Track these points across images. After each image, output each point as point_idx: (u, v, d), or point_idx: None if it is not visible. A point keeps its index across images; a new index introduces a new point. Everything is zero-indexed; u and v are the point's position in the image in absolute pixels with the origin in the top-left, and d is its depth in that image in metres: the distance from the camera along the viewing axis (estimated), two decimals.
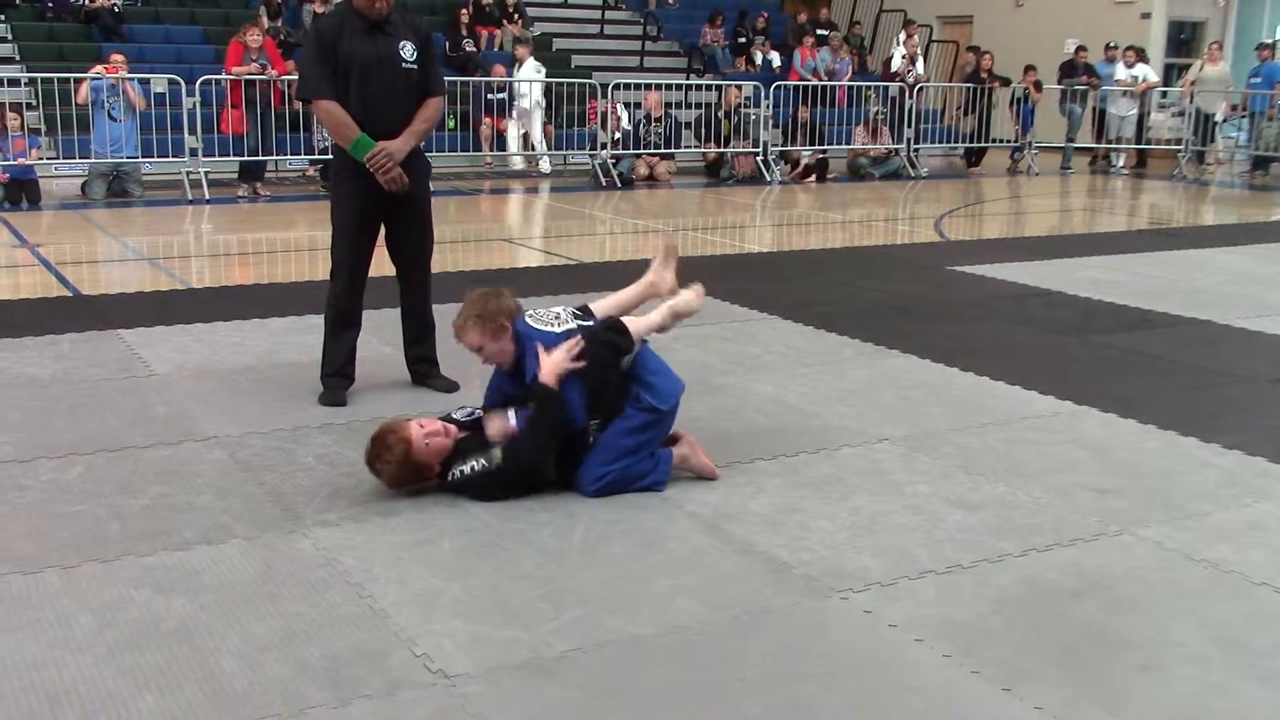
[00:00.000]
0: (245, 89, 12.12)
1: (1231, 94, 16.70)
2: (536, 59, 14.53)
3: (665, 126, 14.10)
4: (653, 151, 14.06)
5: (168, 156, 11.78)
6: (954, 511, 3.78)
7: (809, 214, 12.18)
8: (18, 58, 13.76)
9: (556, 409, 3.73)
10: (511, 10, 16.99)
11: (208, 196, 11.54)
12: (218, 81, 12.25)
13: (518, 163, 14.33)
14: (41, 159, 11.52)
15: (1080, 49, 16.94)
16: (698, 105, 15.45)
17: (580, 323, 3.93)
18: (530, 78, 14.02)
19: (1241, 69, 17.73)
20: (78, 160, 11.74)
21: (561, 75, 14.98)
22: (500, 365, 3.99)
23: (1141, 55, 16.93)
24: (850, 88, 16.17)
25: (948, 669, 2.82)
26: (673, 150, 14.51)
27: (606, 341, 3.81)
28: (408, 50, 4.70)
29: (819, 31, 17.80)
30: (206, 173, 11.78)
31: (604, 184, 13.44)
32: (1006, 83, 16.27)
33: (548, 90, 14.23)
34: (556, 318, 3.94)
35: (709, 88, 15.65)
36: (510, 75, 14.16)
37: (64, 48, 13.89)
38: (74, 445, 4.25)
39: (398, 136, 4.68)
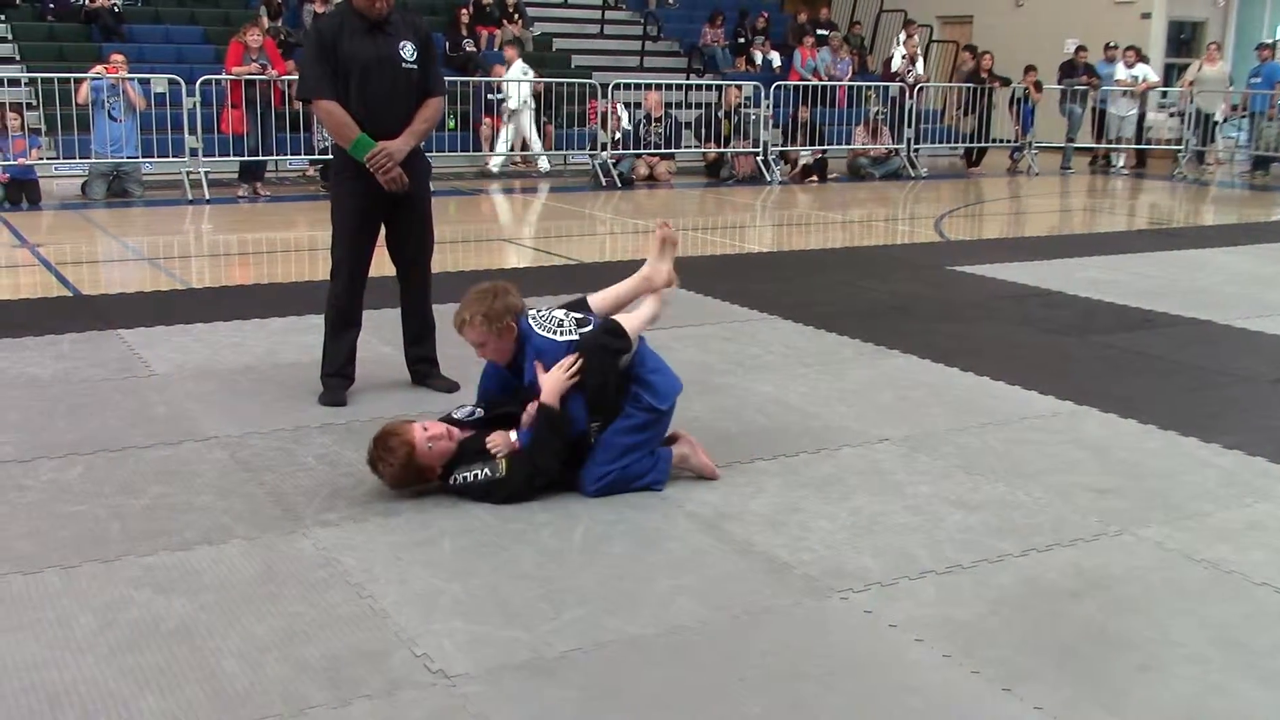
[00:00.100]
0: (245, 89, 12.12)
1: (1231, 94, 16.70)
2: (536, 59, 14.53)
3: (665, 126, 14.11)
4: (653, 151, 14.06)
5: (168, 156, 11.78)
6: (954, 511, 3.78)
7: (809, 214, 12.18)
8: (18, 58, 13.76)
9: (561, 428, 3.74)
10: (511, 10, 16.99)
11: (208, 196, 11.54)
12: (218, 81, 12.25)
13: (496, 164, 14.25)
14: (41, 159, 11.52)
15: (1080, 49, 16.94)
16: (698, 105, 15.45)
17: (581, 330, 3.90)
18: (517, 78, 14.00)
19: (1241, 69, 17.74)
20: (78, 160, 11.74)
21: (561, 75, 14.99)
22: (498, 362, 3.98)
23: (1141, 55, 16.93)
24: (850, 88, 16.18)
25: (948, 669, 2.82)
26: (673, 150, 14.51)
27: (604, 346, 3.80)
28: (408, 50, 4.70)
29: (819, 31, 17.80)
30: (206, 173, 11.79)
31: (604, 184, 13.44)
32: (1006, 83, 16.27)
33: (547, 90, 14.22)
34: (560, 325, 3.90)
35: (709, 88, 15.65)
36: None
37: (64, 48, 13.90)
38: (74, 445, 4.25)
39: (398, 136, 4.68)
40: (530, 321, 3.92)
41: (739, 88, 14.80)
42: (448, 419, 3.93)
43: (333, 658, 2.80)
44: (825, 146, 15.06)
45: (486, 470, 3.73)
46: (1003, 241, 10.11)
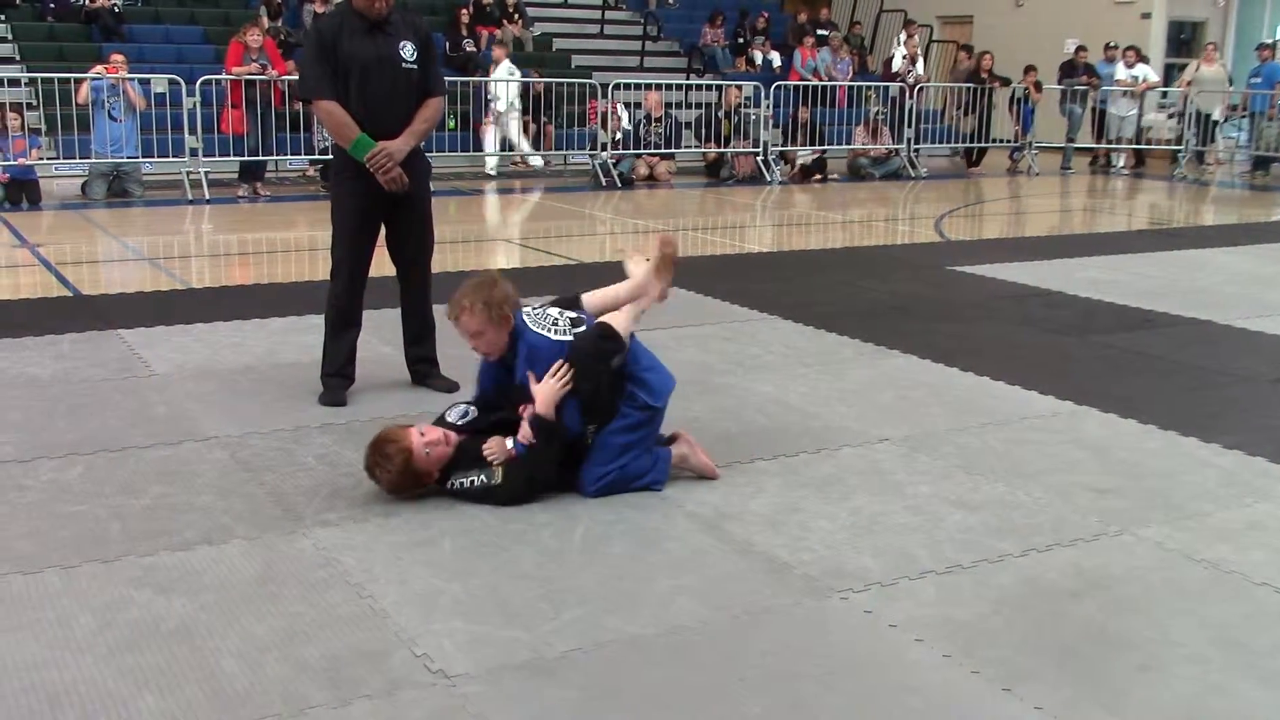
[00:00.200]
0: (245, 89, 12.12)
1: (1231, 94, 16.69)
2: (536, 59, 14.50)
3: (665, 126, 14.10)
4: (653, 151, 14.06)
5: (168, 156, 11.78)
6: (954, 512, 3.78)
7: (809, 214, 12.19)
8: (18, 58, 13.76)
9: (557, 438, 3.74)
10: (511, 10, 16.99)
11: (208, 196, 11.54)
12: (218, 81, 12.25)
13: (492, 165, 14.23)
14: (41, 159, 11.52)
15: (1080, 49, 16.94)
16: (698, 105, 15.45)
17: (575, 329, 3.88)
18: (504, 78, 13.99)
19: (1242, 69, 17.74)
20: (78, 160, 11.74)
21: (561, 75, 14.99)
22: (488, 355, 3.90)
23: (1141, 55, 16.93)
24: (850, 88, 16.18)
25: (948, 669, 2.82)
26: (673, 150, 14.51)
27: (596, 351, 3.78)
28: (408, 50, 4.70)
29: (819, 31, 17.80)
30: (206, 173, 11.78)
31: (604, 184, 13.44)
32: (1006, 83, 16.27)
33: (547, 90, 14.22)
34: (554, 323, 3.88)
35: (709, 88, 15.65)
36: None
37: (64, 48, 13.89)
38: (74, 445, 4.25)
39: (398, 136, 4.68)
40: (525, 317, 3.89)
41: (739, 88, 14.80)
42: (441, 421, 3.92)
43: (333, 658, 2.80)
44: (825, 146, 15.06)
45: (483, 477, 3.73)
46: (1003, 241, 10.11)
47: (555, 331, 3.85)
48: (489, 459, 3.75)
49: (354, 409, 4.75)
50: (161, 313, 6.38)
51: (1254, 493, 4.02)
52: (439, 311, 4.87)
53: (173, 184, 11.88)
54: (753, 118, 14.64)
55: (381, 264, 4.98)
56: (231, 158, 12.17)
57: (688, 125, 14.97)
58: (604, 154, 13.65)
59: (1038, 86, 16.13)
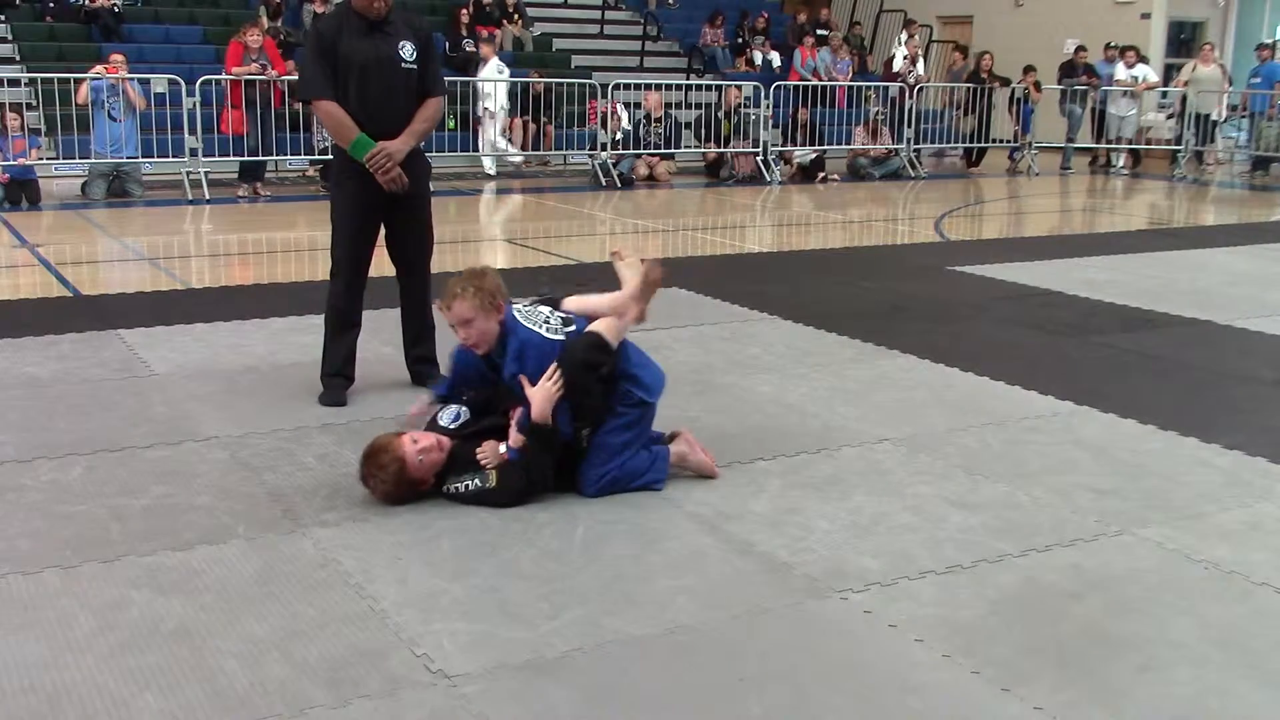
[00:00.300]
0: (245, 89, 12.12)
1: (1229, 94, 16.69)
2: (536, 59, 14.48)
3: (665, 126, 14.10)
4: (653, 151, 14.06)
5: (168, 156, 11.78)
6: (954, 512, 3.78)
7: (809, 214, 12.19)
8: (18, 58, 13.76)
9: (553, 442, 3.73)
10: (511, 10, 16.99)
11: (208, 196, 11.54)
12: (218, 81, 12.25)
13: (489, 165, 14.21)
14: (41, 159, 11.52)
15: (1080, 49, 16.93)
16: (698, 105, 15.44)
17: (566, 329, 3.86)
18: (493, 78, 13.98)
19: (1242, 69, 17.74)
20: (78, 160, 11.74)
21: (561, 75, 14.99)
22: (476, 346, 3.86)
23: (1141, 56, 16.93)
24: (850, 88, 16.17)
25: (948, 669, 2.82)
26: (673, 150, 14.51)
27: (588, 361, 3.75)
28: (407, 50, 4.69)
29: (819, 31, 17.80)
30: (206, 173, 11.78)
31: (604, 184, 13.44)
32: (1006, 83, 16.27)
33: (547, 90, 14.21)
34: (545, 321, 3.86)
35: (709, 88, 15.65)
36: (475, 75, 14.11)
37: (64, 48, 13.89)
38: (74, 445, 4.25)
39: (397, 137, 4.68)
40: (516, 313, 3.86)
41: (739, 88, 14.80)
42: (433, 424, 3.92)
43: (333, 658, 2.80)
44: (825, 146, 15.06)
45: (477, 481, 3.72)
46: (1003, 241, 10.11)
47: (547, 330, 3.83)
48: (482, 463, 3.75)
49: (354, 409, 4.76)
50: (161, 313, 6.38)
51: (1254, 493, 4.02)
52: (439, 311, 4.88)
53: (173, 184, 11.88)
54: (752, 118, 14.64)
55: (381, 264, 4.98)
56: (231, 158, 12.17)
57: (687, 125, 14.97)
58: (604, 154, 13.65)
59: (1037, 86, 16.13)
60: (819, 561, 3.39)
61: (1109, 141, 16.59)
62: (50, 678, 2.69)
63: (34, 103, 11.97)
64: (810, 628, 3.02)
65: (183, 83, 11.76)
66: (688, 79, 17.10)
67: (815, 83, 15.76)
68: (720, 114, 14.54)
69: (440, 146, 12.96)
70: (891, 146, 15.39)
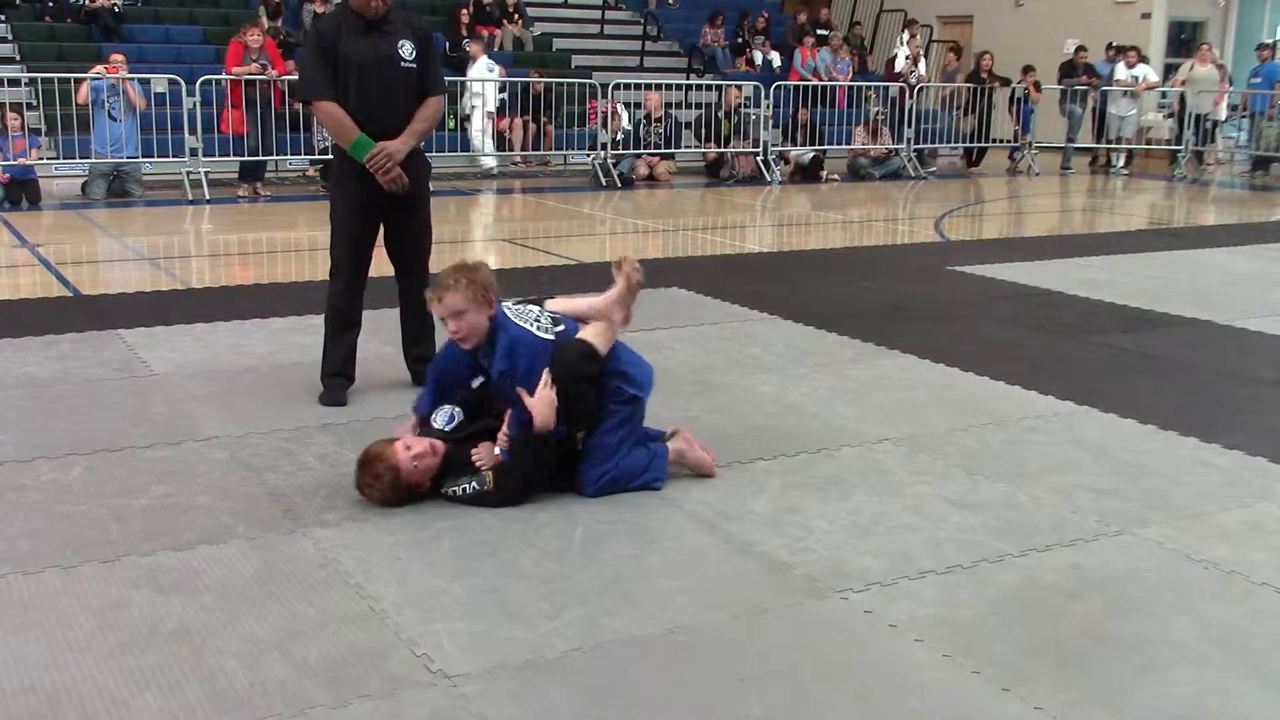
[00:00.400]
0: (245, 89, 12.12)
1: (1228, 93, 16.69)
2: (536, 59, 14.46)
3: (665, 126, 14.10)
4: (653, 151, 14.06)
5: (168, 156, 11.78)
6: (954, 512, 3.78)
7: (809, 214, 12.19)
8: (18, 58, 13.77)
9: (549, 445, 3.73)
10: (511, 10, 16.99)
11: (208, 196, 11.54)
12: (218, 81, 12.25)
13: (488, 165, 14.20)
14: (41, 159, 11.52)
15: (1080, 49, 16.94)
16: (698, 105, 15.45)
17: (556, 329, 3.84)
18: (483, 77, 13.95)
19: (1242, 69, 17.73)
20: (78, 160, 11.74)
21: (561, 75, 14.99)
22: (464, 341, 3.82)
23: (1142, 56, 16.93)
24: (850, 88, 16.17)
25: (948, 669, 2.82)
26: (673, 150, 14.51)
27: (577, 374, 3.73)
28: (406, 50, 4.69)
29: (819, 31, 17.80)
30: (207, 173, 11.78)
31: (604, 184, 13.44)
32: (1006, 83, 16.27)
33: (547, 90, 14.21)
34: (536, 319, 3.84)
35: (709, 88, 15.65)
36: (465, 74, 14.08)
37: (64, 48, 13.90)
38: (74, 445, 4.25)
39: (397, 136, 4.67)
40: (506, 310, 3.84)
41: (739, 88, 14.80)
42: (428, 427, 3.92)
43: (333, 658, 2.80)
44: (825, 146, 15.06)
45: (474, 484, 3.72)
46: (1003, 241, 10.11)
47: (538, 329, 3.81)
48: (478, 465, 3.75)
49: (354, 409, 4.76)
50: (161, 313, 6.38)
51: (1254, 493, 4.02)
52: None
53: (173, 184, 11.88)
54: (753, 118, 14.64)
55: (381, 264, 4.98)
56: (231, 158, 12.17)
57: (688, 125, 14.98)
58: (604, 154, 13.65)
59: (1037, 86, 16.13)
60: (819, 561, 3.39)
61: (1109, 141, 16.59)
62: (50, 678, 2.69)
63: (34, 102, 11.98)
64: (810, 628, 3.02)
65: (183, 83, 11.76)
66: (688, 79, 17.11)
67: (815, 83, 15.76)
68: (720, 114, 14.55)
69: (440, 146, 12.96)
70: (892, 146, 15.39)
